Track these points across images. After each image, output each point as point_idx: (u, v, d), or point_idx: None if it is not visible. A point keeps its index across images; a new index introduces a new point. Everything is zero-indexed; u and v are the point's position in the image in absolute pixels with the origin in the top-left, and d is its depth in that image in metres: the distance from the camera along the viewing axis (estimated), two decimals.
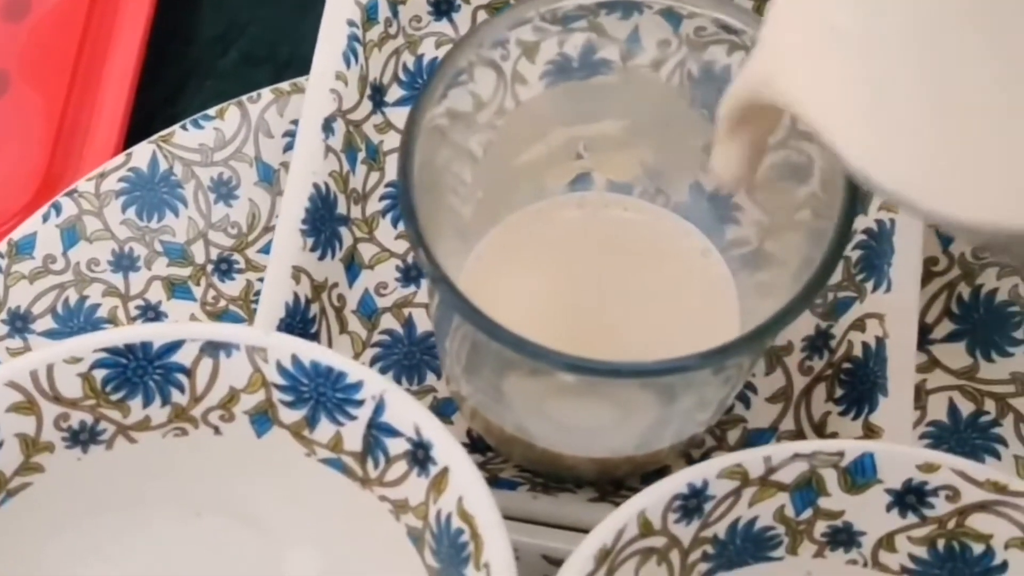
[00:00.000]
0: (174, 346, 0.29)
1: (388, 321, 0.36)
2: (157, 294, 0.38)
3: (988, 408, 0.36)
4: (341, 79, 0.35)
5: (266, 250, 0.38)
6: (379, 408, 0.28)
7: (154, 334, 0.29)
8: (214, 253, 0.38)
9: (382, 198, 0.37)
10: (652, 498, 0.27)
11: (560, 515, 0.32)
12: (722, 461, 0.27)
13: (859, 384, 0.33)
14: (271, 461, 0.30)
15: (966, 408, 0.36)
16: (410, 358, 0.36)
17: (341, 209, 0.35)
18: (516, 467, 0.34)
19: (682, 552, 0.28)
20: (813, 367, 0.35)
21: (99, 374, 0.28)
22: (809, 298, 0.27)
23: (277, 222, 0.34)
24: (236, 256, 0.38)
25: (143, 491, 0.30)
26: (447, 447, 0.27)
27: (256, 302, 0.37)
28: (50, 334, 0.37)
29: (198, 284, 0.38)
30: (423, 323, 0.36)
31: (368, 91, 0.36)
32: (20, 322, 0.37)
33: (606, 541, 0.26)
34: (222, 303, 0.38)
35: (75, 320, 0.37)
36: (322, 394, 0.28)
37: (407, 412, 0.28)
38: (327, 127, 0.35)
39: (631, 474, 0.33)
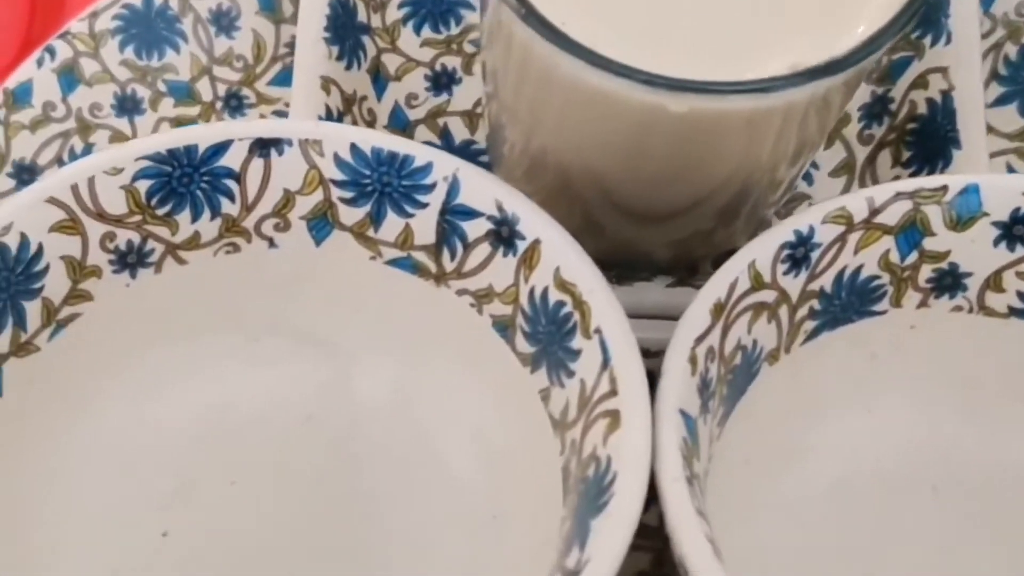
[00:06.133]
0: (221, 148, 0.26)
1: (423, 133, 0.34)
2: None
3: None
4: None
5: (276, 82, 0.36)
6: (453, 189, 0.26)
7: (199, 136, 0.26)
8: (222, 89, 0.36)
9: (401, 5, 0.34)
10: (761, 248, 0.25)
11: (641, 304, 0.30)
12: (826, 206, 0.26)
13: (928, 142, 0.32)
14: (332, 271, 0.28)
15: None
16: None
17: (361, 17, 0.33)
18: None
19: (791, 308, 0.26)
20: (874, 135, 0.33)
21: (143, 186, 0.26)
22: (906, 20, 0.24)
23: (297, 32, 0.32)
24: (245, 91, 0.36)
25: (196, 319, 0.28)
26: (534, 218, 0.25)
27: None
28: None
29: (209, 122, 0.35)
30: (460, 132, 0.34)
31: None
32: (27, 174, 0.34)
33: (720, 295, 0.24)
34: None
35: None
36: (387, 184, 0.26)
37: (485, 188, 0.26)
38: None
39: (704, 256, 0.32)
